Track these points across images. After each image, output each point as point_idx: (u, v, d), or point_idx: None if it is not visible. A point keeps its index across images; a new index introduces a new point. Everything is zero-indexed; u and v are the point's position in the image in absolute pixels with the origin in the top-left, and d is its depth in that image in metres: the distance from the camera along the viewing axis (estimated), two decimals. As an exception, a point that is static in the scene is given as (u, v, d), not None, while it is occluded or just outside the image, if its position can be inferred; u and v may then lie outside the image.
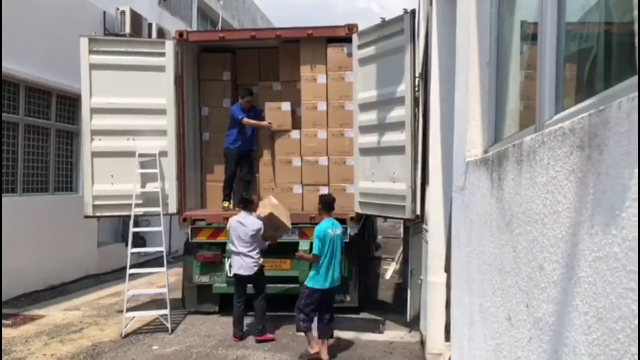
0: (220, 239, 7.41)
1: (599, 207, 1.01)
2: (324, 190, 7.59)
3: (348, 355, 6.04)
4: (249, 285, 6.65)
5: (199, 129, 8.45)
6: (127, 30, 10.64)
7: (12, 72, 8.17)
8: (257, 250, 6.48)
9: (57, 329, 6.94)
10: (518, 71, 2.36)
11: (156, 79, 7.53)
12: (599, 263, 1.01)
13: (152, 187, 7.49)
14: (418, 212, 6.44)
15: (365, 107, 7.18)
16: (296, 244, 7.10)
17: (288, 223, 6.83)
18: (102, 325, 7.14)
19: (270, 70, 8.48)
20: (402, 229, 12.14)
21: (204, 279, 7.60)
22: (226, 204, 7.91)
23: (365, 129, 7.20)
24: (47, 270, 8.96)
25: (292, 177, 8.02)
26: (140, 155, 7.51)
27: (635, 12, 1.15)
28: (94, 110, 7.51)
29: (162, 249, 7.32)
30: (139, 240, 9.70)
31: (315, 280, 5.81)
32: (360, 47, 7.23)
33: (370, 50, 7.06)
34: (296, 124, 8.06)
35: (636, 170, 0.86)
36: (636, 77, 0.98)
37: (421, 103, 6.68)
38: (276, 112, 8.01)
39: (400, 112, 6.57)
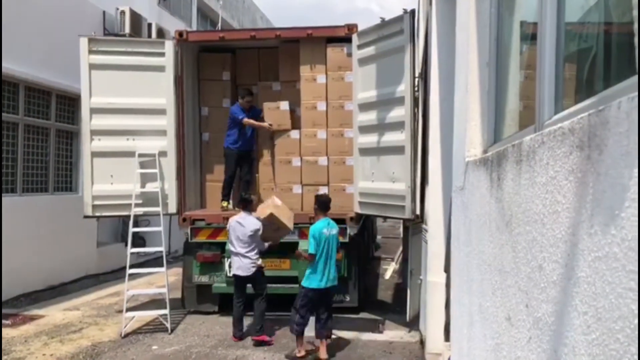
0: (219, 239, 7.41)
1: (599, 207, 1.01)
2: (324, 191, 7.59)
3: (347, 355, 6.04)
4: (249, 285, 6.65)
5: (198, 129, 8.44)
6: (127, 30, 10.64)
7: (11, 72, 8.16)
8: (255, 251, 6.47)
9: (57, 329, 6.93)
10: (517, 71, 2.36)
11: (156, 79, 7.53)
12: (598, 263, 1.01)
13: (152, 187, 7.49)
14: (418, 212, 6.44)
15: (364, 107, 7.17)
16: (296, 244, 7.09)
17: (290, 224, 6.79)
18: (102, 325, 7.14)
19: (270, 70, 8.47)
20: (401, 229, 12.13)
21: (204, 279, 7.60)
22: (225, 203, 7.90)
23: (364, 129, 7.20)
24: (47, 270, 8.96)
25: (291, 177, 8.01)
26: (140, 155, 7.50)
27: (635, 12, 1.15)
28: (94, 110, 7.51)
29: (162, 249, 7.32)
30: (139, 240, 9.71)
31: (311, 280, 5.82)
32: (359, 47, 7.23)
33: (370, 50, 7.06)
34: (296, 124, 8.06)
35: (636, 170, 0.86)
36: (636, 77, 0.98)
37: (421, 103, 6.67)
38: (275, 112, 8.01)
39: (399, 112, 6.56)
